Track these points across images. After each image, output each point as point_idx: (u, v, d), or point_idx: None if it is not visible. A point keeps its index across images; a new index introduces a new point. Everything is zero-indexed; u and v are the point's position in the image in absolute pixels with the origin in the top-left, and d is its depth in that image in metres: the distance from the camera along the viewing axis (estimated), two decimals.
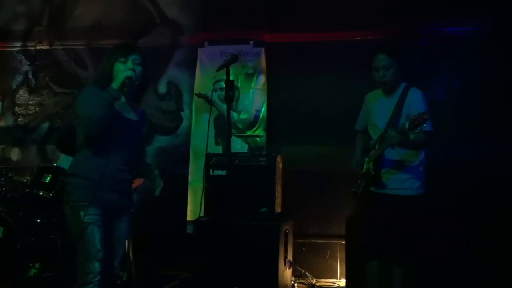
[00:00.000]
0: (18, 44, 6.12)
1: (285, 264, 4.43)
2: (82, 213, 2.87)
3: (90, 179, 2.93)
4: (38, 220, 4.49)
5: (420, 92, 3.72)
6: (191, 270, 4.61)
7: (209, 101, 5.47)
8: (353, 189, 3.85)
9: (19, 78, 6.12)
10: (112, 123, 2.89)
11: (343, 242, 4.58)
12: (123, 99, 2.92)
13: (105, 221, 2.94)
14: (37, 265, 4.24)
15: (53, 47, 6.03)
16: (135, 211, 4.24)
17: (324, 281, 5.06)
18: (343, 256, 4.66)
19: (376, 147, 3.75)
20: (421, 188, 3.72)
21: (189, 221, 5.24)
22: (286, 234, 4.52)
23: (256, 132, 5.43)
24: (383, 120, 3.75)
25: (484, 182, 4.73)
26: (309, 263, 5.11)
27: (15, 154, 5.89)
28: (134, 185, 4.55)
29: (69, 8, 6.08)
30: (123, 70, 2.93)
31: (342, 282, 4.90)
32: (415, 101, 3.66)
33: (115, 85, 2.89)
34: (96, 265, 2.86)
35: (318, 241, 5.19)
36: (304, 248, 5.13)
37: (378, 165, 3.75)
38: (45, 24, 6.13)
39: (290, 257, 4.58)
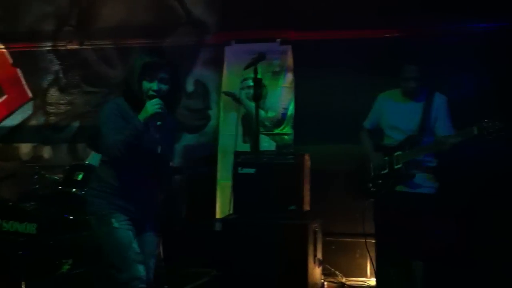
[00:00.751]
0: (49, 44, 6.23)
1: (314, 263, 4.43)
2: (112, 220, 2.80)
3: (113, 191, 2.86)
4: (70, 217, 4.56)
5: (445, 97, 3.87)
6: (219, 267, 4.62)
7: (236, 99, 5.49)
8: (372, 188, 3.89)
9: (50, 77, 6.23)
10: (135, 149, 2.76)
11: (373, 241, 4.56)
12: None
13: (135, 229, 2.86)
14: (69, 262, 4.31)
15: (83, 47, 6.12)
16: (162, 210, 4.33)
17: (354, 280, 5.04)
18: (373, 254, 4.63)
19: (406, 148, 3.81)
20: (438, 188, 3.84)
21: (218, 218, 5.27)
22: (315, 233, 4.51)
23: (284, 130, 5.44)
24: (410, 123, 3.84)
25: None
26: (338, 261, 5.10)
27: (46, 152, 6.02)
28: None
29: (96, 8, 6.16)
30: (148, 90, 2.78)
31: (372, 281, 4.88)
32: (442, 107, 3.82)
33: (141, 115, 2.74)
34: (140, 268, 2.77)
35: (347, 239, 5.17)
36: (333, 247, 5.12)
37: (409, 165, 3.77)
38: (74, 24, 6.23)
39: (319, 255, 4.58)
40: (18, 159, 6.08)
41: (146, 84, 2.81)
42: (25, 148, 6.18)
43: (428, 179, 3.83)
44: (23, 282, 3.91)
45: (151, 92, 2.78)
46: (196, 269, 5.12)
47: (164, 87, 2.82)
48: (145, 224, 2.94)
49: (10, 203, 4.80)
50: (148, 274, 2.86)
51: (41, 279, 4.34)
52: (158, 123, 2.76)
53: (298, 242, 4.27)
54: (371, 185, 3.99)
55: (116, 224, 2.81)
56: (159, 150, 2.89)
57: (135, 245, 2.80)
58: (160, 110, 2.73)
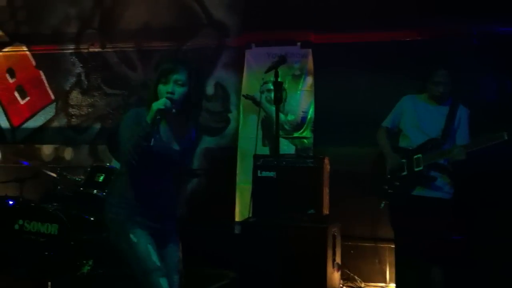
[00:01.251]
0: (71, 46, 6.30)
1: (333, 267, 4.41)
2: (131, 236, 2.74)
3: (131, 206, 2.79)
4: (91, 218, 4.60)
5: (468, 110, 3.94)
6: (238, 270, 4.63)
7: (256, 102, 5.49)
8: (389, 190, 3.88)
9: (72, 79, 6.31)
10: (148, 153, 2.68)
11: (392, 246, 4.53)
12: (163, 125, 2.77)
13: (155, 240, 2.77)
14: (90, 262, 4.35)
15: (105, 49, 6.18)
16: (180, 211, 4.35)
17: (373, 285, 5.02)
18: (392, 259, 4.61)
19: (427, 150, 3.81)
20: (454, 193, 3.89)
21: (237, 221, 5.28)
22: (334, 237, 4.50)
23: (303, 134, 5.43)
24: (434, 126, 3.87)
25: None
26: (357, 266, 5.07)
27: (68, 153, 6.09)
28: None
29: (119, 10, 6.22)
30: (163, 93, 2.72)
31: (392, 286, 4.84)
32: (464, 117, 3.90)
33: (148, 117, 2.66)
34: (163, 283, 2.69)
35: (366, 244, 5.14)
36: (352, 251, 5.09)
37: (430, 168, 3.76)
38: (97, 27, 6.30)
39: (338, 259, 4.56)
40: (40, 160, 6.17)
41: (162, 88, 2.76)
42: (47, 150, 6.26)
43: (448, 184, 3.85)
44: (49, 282, 3.96)
45: (166, 95, 2.72)
46: (215, 271, 5.12)
47: (179, 89, 2.75)
48: (167, 237, 2.86)
49: (33, 204, 4.88)
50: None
51: (62, 279, 4.40)
52: (158, 117, 2.66)
53: (317, 246, 4.26)
54: (387, 187, 3.98)
55: (134, 240, 2.74)
56: (175, 156, 2.84)
57: (154, 258, 2.72)
58: (163, 107, 2.66)
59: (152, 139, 2.66)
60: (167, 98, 2.69)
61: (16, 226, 4.68)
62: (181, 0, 6.02)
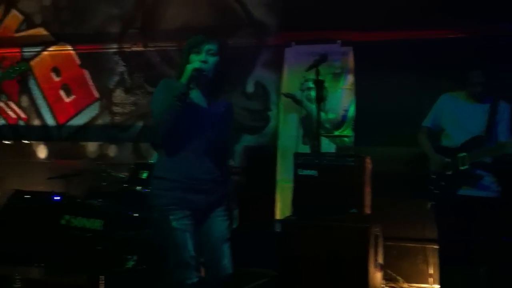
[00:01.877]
0: (114, 46, 6.42)
1: (375, 267, 4.38)
2: (171, 218, 2.76)
3: (172, 181, 2.81)
4: (135, 214, 4.69)
5: (509, 106, 3.89)
6: (278, 268, 4.64)
7: (296, 101, 5.49)
8: (435, 191, 3.84)
9: (116, 78, 6.43)
10: (184, 117, 2.72)
11: (436, 247, 4.47)
12: (195, 92, 2.81)
13: (197, 224, 2.82)
14: (134, 258, 4.44)
15: (147, 49, 6.28)
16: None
17: (415, 286, 4.95)
18: (436, 260, 4.54)
19: (471, 149, 3.77)
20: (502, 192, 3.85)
21: (277, 219, 5.30)
22: (376, 237, 4.46)
23: (344, 132, 5.41)
24: (477, 124, 3.84)
25: None
26: (400, 267, 5.02)
27: (112, 150, 6.21)
28: None
29: (160, 11, 6.31)
30: (196, 61, 2.75)
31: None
32: (506, 113, 3.87)
33: (183, 78, 2.71)
34: (194, 273, 2.74)
35: (408, 244, 5.08)
36: (394, 252, 5.05)
37: (475, 166, 3.72)
38: (139, 27, 6.40)
39: (380, 260, 4.53)
40: (85, 157, 6.31)
41: (194, 57, 2.80)
42: (91, 147, 6.40)
43: (494, 182, 3.80)
44: (101, 277, 4.04)
45: (199, 63, 2.75)
46: (255, 269, 5.15)
47: (211, 58, 2.80)
48: (212, 210, 2.87)
49: (78, 200, 5.00)
50: (222, 260, 2.83)
51: (107, 274, 4.49)
52: (193, 75, 2.69)
53: (359, 246, 4.23)
54: (432, 187, 3.94)
55: (174, 224, 2.76)
56: (210, 119, 2.84)
57: (190, 247, 2.74)
58: (198, 66, 2.70)
59: (186, 100, 2.70)
60: (198, 67, 2.71)
61: (63, 221, 4.80)
62: (221, 1, 6.06)
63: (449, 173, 3.86)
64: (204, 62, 2.76)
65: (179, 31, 6.17)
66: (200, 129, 2.82)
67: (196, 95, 2.84)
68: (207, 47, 2.81)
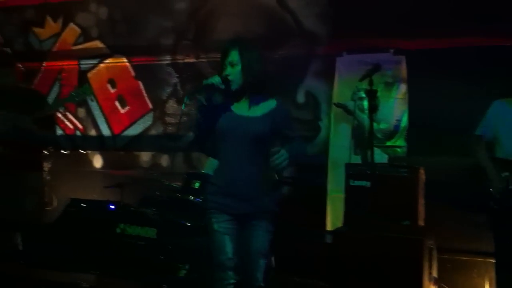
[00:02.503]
0: (167, 57, 6.55)
1: (429, 280, 4.28)
2: (213, 220, 2.92)
3: (216, 186, 2.98)
4: (188, 224, 4.75)
5: None
6: (329, 280, 4.60)
7: (348, 111, 5.45)
8: (494, 206, 3.71)
9: (169, 89, 6.56)
10: (222, 125, 2.95)
11: (492, 261, 4.33)
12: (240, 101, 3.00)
13: (238, 229, 2.92)
14: (186, 267, 4.49)
15: (199, 60, 6.38)
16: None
17: None
18: (492, 275, 4.40)
19: None
20: None
21: (328, 230, 5.26)
22: (430, 249, 4.36)
23: (397, 143, 5.32)
24: None
25: None
26: (454, 280, 4.88)
27: (164, 160, 6.33)
28: None
29: (212, 22, 6.40)
30: (224, 69, 2.97)
31: None
32: None
33: (199, 93, 2.98)
34: (230, 274, 2.85)
35: (463, 258, 4.94)
36: (449, 265, 4.92)
37: None
38: (191, 38, 6.51)
39: (434, 273, 4.42)
40: (139, 167, 6.45)
41: (223, 66, 3.00)
42: (145, 156, 6.54)
43: None
44: (164, 286, 4.14)
45: (224, 78, 2.95)
46: (306, 281, 5.12)
47: (234, 69, 2.95)
48: (253, 220, 2.93)
49: (133, 208, 5.11)
50: (256, 273, 2.91)
51: (159, 283, 4.55)
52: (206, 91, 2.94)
53: (413, 259, 4.13)
54: (492, 202, 3.82)
55: (215, 226, 2.92)
56: (254, 126, 2.94)
57: (228, 249, 2.88)
58: (209, 83, 2.92)
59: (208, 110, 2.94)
60: (224, 80, 2.92)
61: (118, 230, 4.92)
62: (272, 11, 6.09)
63: (506, 186, 3.72)
64: (227, 75, 2.94)
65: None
66: (240, 136, 2.94)
67: (237, 103, 3.01)
68: (229, 59, 2.98)
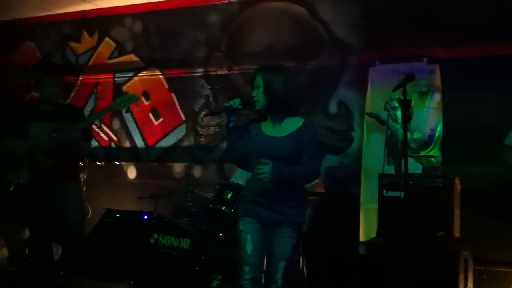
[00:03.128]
0: (200, 69, 6.62)
1: None
2: (240, 223, 3.33)
3: (246, 196, 3.39)
4: (220, 234, 4.77)
5: None
6: None
7: (380, 120, 5.40)
8: None
9: (201, 101, 6.61)
10: (249, 143, 3.38)
11: None
12: (266, 121, 3.40)
13: (261, 233, 3.27)
14: (219, 277, 4.50)
15: (231, 72, 6.43)
16: (304, 230, 4.37)
17: None
18: None
19: None
20: None
21: (362, 241, 5.20)
22: (466, 261, 4.27)
23: (431, 152, 5.24)
24: None
25: None
26: None
27: (197, 171, 6.38)
28: None
29: (244, 34, 6.45)
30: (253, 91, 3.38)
31: None
32: None
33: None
34: (246, 269, 3.22)
35: (500, 269, 4.83)
36: (485, 276, 4.81)
37: None
38: (224, 50, 6.57)
39: (470, 284, 4.33)
40: (172, 178, 6.52)
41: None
42: (178, 167, 6.60)
43: None
44: None
45: (252, 99, 3.40)
46: None
47: (257, 91, 3.36)
48: (278, 228, 3.25)
49: (166, 219, 5.16)
50: (275, 275, 3.21)
51: None
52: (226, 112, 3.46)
53: (448, 270, 4.05)
54: None
55: (240, 227, 3.32)
56: (279, 145, 3.29)
57: (249, 248, 3.25)
58: (228, 105, 3.40)
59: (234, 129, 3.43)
60: (252, 101, 3.36)
61: (151, 240, 4.97)
62: (304, 22, 6.10)
63: None
64: (253, 96, 3.35)
65: (262, 53, 6.28)
66: (265, 154, 3.26)
67: (264, 123, 3.41)
68: (255, 82, 3.38)
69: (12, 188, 4.53)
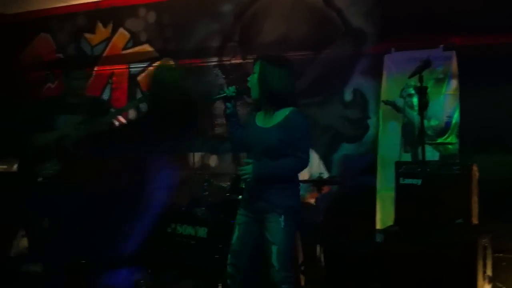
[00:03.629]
0: (214, 59, 6.61)
1: (484, 280, 4.18)
2: (238, 213, 3.53)
3: (245, 186, 3.54)
4: None
5: None
6: (380, 280, 4.55)
7: (397, 108, 5.37)
8: None
9: (216, 91, 6.60)
10: (243, 134, 3.48)
11: None
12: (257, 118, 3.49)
13: (248, 224, 3.44)
14: None
15: (245, 61, 6.41)
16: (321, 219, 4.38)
17: None
18: None
19: None
20: None
21: (379, 229, 5.20)
22: (485, 248, 4.26)
23: (448, 139, 5.20)
24: None
25: None
26: (509, 279, 4.74)
27: (213, 161, 6.39)
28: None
29: (258, 23, 6.42)
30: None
31: None
32: None
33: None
34: (229, 256, 3.46)
35: None
36: (504, 263, 4.78)
37: None
38: (237, 40, 6.56)
39: (489, 272, 4.31)
40: (189, 168, 6.53)
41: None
42: (196, 157, 6.60)
43: None
44: (219, 285, 4.21)
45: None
46: (356, 280, 5.07)
47: (252, 77, 3.51)
48: (267, 214, 3.35)
49: (183, 208, 5.20)
50: (269, 259, 3.32)
51: (210, 282, 4.61)
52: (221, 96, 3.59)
53: (467, 258, 4.05)
54: None
55: (237, 217, 3.53)
56: (268, 137, 3.35)
57: (234, 237, 3.49)
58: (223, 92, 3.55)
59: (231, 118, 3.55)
60: (246, 87, 3.50)
61: (169, 229, 5.01)
62: (319, 11, 6.06)
63: None
64: (247, 81, 3.51)
65: (276, 43, 6.26)
66: (255, 145, 3.39)
67: (258, 114, 3.49)
68: (254, 69, 3.49)
69: (40, 179, 4.61)
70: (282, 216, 3.32)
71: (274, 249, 3.30)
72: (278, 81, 3.38)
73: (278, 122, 3.36)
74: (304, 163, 3.38)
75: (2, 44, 7.71)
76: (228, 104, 3.53)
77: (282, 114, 3.37)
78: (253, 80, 3.45)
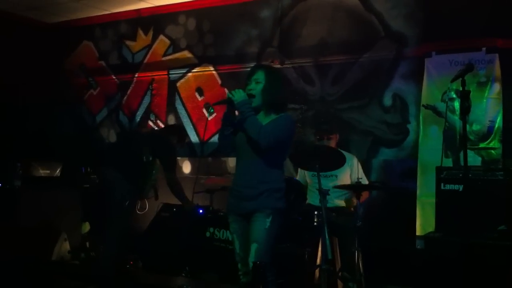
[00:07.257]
0: (253, 64, 6.64)
1: None
2: (229, 221, 3.53)
3: (230, 189, 3.56)
4: None
5: None
6: (420, 286, 4.47)
7: (438, 112, 5.28)
8: None
9: None
10: (235, 136, 3.48)
11: None
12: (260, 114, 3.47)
13: (243, 228, 3.43)
14: (273, 271, 4.50)
15: (284, 66, 6.42)
16: (360, 225, 4.33)
17: None
18: None
19: None
20: None
21: (419, 236, 5.11)
22: None
23: (491, 144, 5.08)
24: None
25: None
26: None
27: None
28: (361, 199, 4.64)
29: (297, 29, 6.42)
30: (247, 90, 3.46)
31: None
32: None
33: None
34: (239, 265, 3.46)
35: None
36: None
37: None
38: (276, 45, 6.57)
39: None
40: (227, 173, 6.56)
41: (247, 88, 3.49)
42: (231, 162, 6.64)
43: None
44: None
45: (247, 91, 3.46)
46: (396, 286, 5.01)
47: (257, 86, 3.45)
48: (254, 213, 3.37)
49: (221, 213, 5.23)
50: (248, 257, 3.34)
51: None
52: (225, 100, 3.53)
53: (509, 265, 3.95)
54: None
55: (230, 228, 3.54)
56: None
57: (236, 246, 3.47)
58: (230, 95, 3.45)
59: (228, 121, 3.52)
60: (248, 93, 3.43)
61: (207, 234, 5.05)
62: (358, 15, 6.02)
63: None
64: (251, 89, 3.46)
65: (315, 47, 6.25)
66: (242, 146, 3.45)
67: (259, 116, 3.45)
68: (254, 77, 3.48)
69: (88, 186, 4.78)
70: (270, 217, 3.37)
71: (253, 247, 3.33)
72: (281, 89, 3.59)
73: (266, 123, 3.42)
74: (262, 139, 3.34)
75: (48, 51, 7.95)
76: (232, 108, 3.52)
77: (273, 117, 3.48)
78: (257, 88, 3.45)
